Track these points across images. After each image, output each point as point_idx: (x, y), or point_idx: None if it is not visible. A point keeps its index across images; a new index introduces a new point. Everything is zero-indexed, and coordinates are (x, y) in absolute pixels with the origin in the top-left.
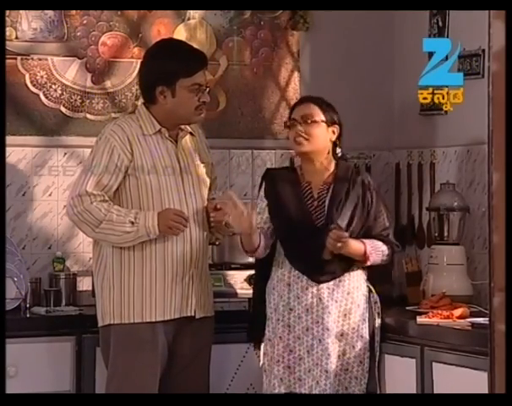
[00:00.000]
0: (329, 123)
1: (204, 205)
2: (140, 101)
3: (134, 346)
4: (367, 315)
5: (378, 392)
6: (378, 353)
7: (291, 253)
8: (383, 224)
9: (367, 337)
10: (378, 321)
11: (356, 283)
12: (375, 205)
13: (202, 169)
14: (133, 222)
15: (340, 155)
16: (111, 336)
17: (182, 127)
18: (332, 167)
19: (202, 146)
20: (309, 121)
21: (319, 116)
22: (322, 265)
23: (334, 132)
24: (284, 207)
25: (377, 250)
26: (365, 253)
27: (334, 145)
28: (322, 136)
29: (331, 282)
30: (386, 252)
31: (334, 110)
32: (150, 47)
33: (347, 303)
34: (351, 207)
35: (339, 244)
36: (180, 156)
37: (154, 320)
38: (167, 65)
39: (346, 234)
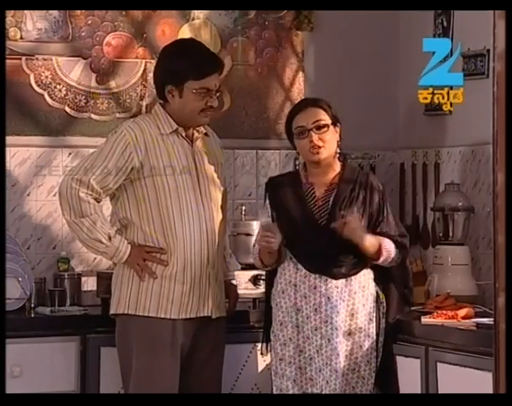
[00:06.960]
0: (334, 123)
1: (219, 206)
2: (158, 101)
3: (154, 344)
4: (374, 314)
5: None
6: (381, 355)
7: (299, 254)
8: (393, 226)
9: (375, 336)
10: (383, 322)
11: (363, 282)
12: (382, 207)
13: (215, 170)
14: (110, 238)
15: (337, 154)
16: (128, 329)
17: (198, 128)
18: (338, 168)
19: (216, 147)
20: (322, 127)
21: (328, 119)
22: (331, 263)
23: (337, 131)
24: (287, 211)
25: (388, 250)
26: (379, 248)
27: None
28: (333, 139)
29: (339, 281)
30: (393, 253)
31: (332, 107)
32: (167, 45)
33: (354, 302)
34: (355, 207)
35: (353, 227)
36: (196, 157)
37: (169, 317)
38: (178, 65)
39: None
